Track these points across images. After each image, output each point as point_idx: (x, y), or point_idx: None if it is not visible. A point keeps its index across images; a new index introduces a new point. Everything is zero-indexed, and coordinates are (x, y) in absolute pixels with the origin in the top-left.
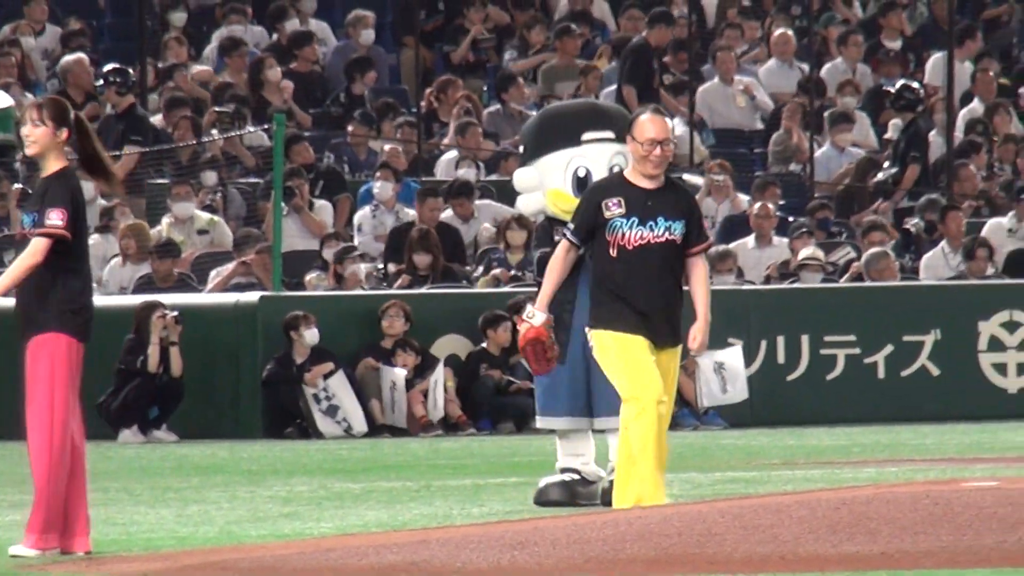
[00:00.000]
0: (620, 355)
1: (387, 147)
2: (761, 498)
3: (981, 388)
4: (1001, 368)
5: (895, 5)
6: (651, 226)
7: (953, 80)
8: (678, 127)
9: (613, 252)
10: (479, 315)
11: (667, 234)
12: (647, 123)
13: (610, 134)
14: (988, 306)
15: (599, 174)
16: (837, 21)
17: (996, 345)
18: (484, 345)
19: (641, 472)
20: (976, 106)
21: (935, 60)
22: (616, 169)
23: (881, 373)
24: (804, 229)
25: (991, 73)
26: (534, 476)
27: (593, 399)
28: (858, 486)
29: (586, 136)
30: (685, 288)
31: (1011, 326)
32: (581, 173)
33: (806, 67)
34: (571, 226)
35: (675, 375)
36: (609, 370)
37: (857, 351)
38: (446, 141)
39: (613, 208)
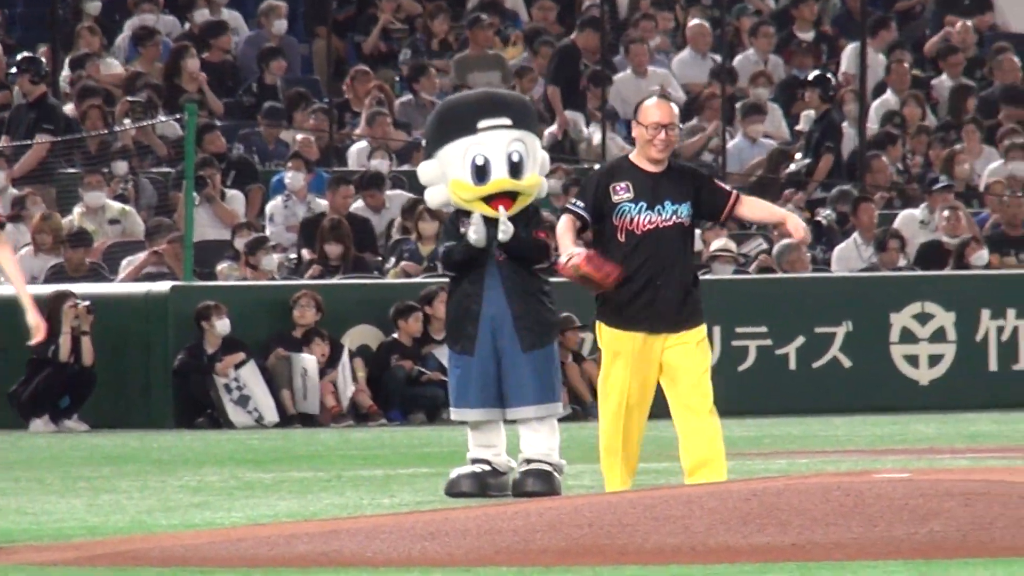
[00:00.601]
0: (612, 351)
1: (299, 137)
2: (672, 489)
3: (893, 380)
4: (913, 360)
5: None
6: (659, 210)
7: (866, 71)
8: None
9: (621, 237)
10: (390, 305)
11: (675, 217)
12: (652, 108)
13: (507, 120)
14: (900, 298)
15: (497, 162)
16: (750, 12)
17: (908, 337)
18: (395, 335)
19: (604, 463)
20: (889, 97)
21: (850, 50)
22: (516, 158)
23: (793, 364)
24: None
25: (905, 64)
26: (445, 467)
27: (504, 390)
28: (769, 477)
29: (482, 124)
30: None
31: (923, 318)
32: (479, 161)
33: (719, 58)
34: (578, 202)
35: (702, 356)
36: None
37: (769, 343)
38: (357, 131)
39: (621, 192)
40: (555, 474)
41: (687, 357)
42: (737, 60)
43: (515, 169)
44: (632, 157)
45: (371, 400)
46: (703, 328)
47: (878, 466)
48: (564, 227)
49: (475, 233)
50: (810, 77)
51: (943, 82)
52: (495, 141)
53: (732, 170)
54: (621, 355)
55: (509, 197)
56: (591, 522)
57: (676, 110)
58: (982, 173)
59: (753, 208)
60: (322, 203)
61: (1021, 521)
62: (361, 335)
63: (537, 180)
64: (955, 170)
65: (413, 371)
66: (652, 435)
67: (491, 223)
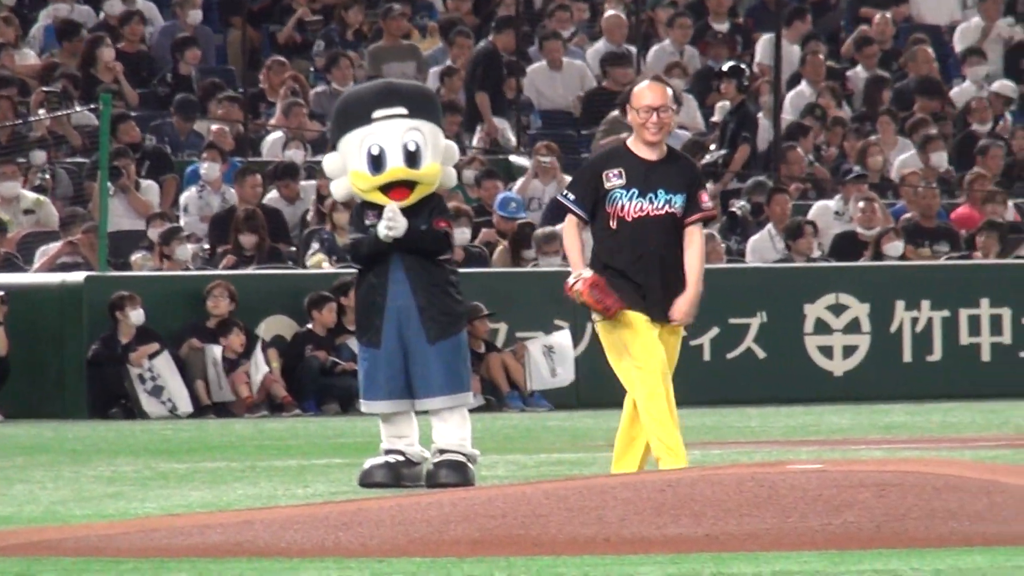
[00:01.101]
0: (621, 331)
1: (213, 127)
2: (586, 480)
3: (807, 371)
4: (827, 351)
5: None
6: (651, 198)
7: (781, 62)
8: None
9: (613, 224)
10: (305, 296)
11: (667, 207)
12: (644, 90)
13: (402, 110)
14: (814, 289)
15: (392, 151)
16: (665, 3)
17: (822, 328)
18: (310, 326)
19: (660, 433)
20: (804, 88)
21: (764, 41)
22: (412, 147)
23: (707, 356)
24: None
25: (820, 56)
26: (359, 457)
27: (413, 381)
28: (683, 468)
29: (377, 114)
30: None
31: (837, 309)
32: (375, 151)
33: (634, 49)
34: (570, 195)
35: (676, 350)
36: (611, 349)
37: (683, 333)
38: (272, 121)
39: (613, 179)
40: (468, 464)
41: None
42: (652, 51)
43: (411, 158)
44: (629, 143)
45: (285, 390)
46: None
47: (792, 457)
48: (570, 235)
49: (386, 228)
50: (725, 68)
51: (858, 73)
52: (390, 131)
53: None
54: (635, 321)
55: (406, 187)
56: (505, 512)
57: (670, 92)
58: (897, 164)
59: (691, 248)
60: (236, 194)
61: (934, 512)
62: (276, 325)
63: (436, 169)
64: (869, 161)
65: (327, 361)
66: (558, 426)
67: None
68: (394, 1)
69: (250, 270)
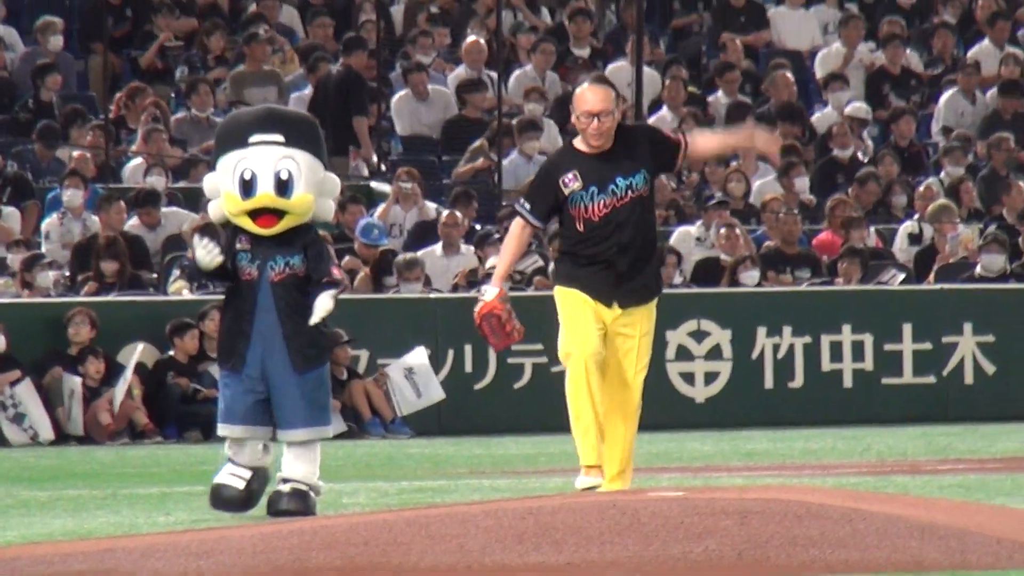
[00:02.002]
0: (566, 311)
1: (75, 154)
2: (448, 507)
3: (669, 397)
4: (688, 377)
5: (583, 12)
6: (612, 190)
7: (641, 87)
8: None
9: (580, 227)
10: (166, 323)
11: (630, 192)
12: (583, 94)
13: (279, 137)
14: (676, 315)
15: (263, 177)
16: (526, 29)
17: (684, 354)
18: (171, 353)
19: (575, 432)
20: (665, 114)
21: (614, 69)
22: (284, 175)
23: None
24: (493, 237)
25: (680, 81)
26: None
27: (275, 411)
28: (545, 496)
29: (253, 138)
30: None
31: (699, 335)
32: (246, 176)
33: (495, 74)
34: (525, 204)
35: (647, 335)
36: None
37: (544, 360)
38: (134, 148)
39: (571, 183)
40: (311, 494)
41: (627, 333)
42: (514, 76)
43: (282, 186)
44: (576, 142)
45: (147, 418)
46: (653, 304)
47: (653, 484)
48: (512, 236)
49: (202, 255)
50: None
51: (719, 99)
52: (264, 156)
53: (508, 187)
54: (582, 309)
55: (274, 215)
56: (367, 540)
57: (612, 94)
58: (759, 190)
59: (706, 144)
60: (98, 220)
61: (796, 539)
62: (138, 352)
63: (308, 200)
64: (731, 187)
65: (188, 388)
66: (420, 453)
67: (265, 241)
68: (256, 27)
69: (112, 297)
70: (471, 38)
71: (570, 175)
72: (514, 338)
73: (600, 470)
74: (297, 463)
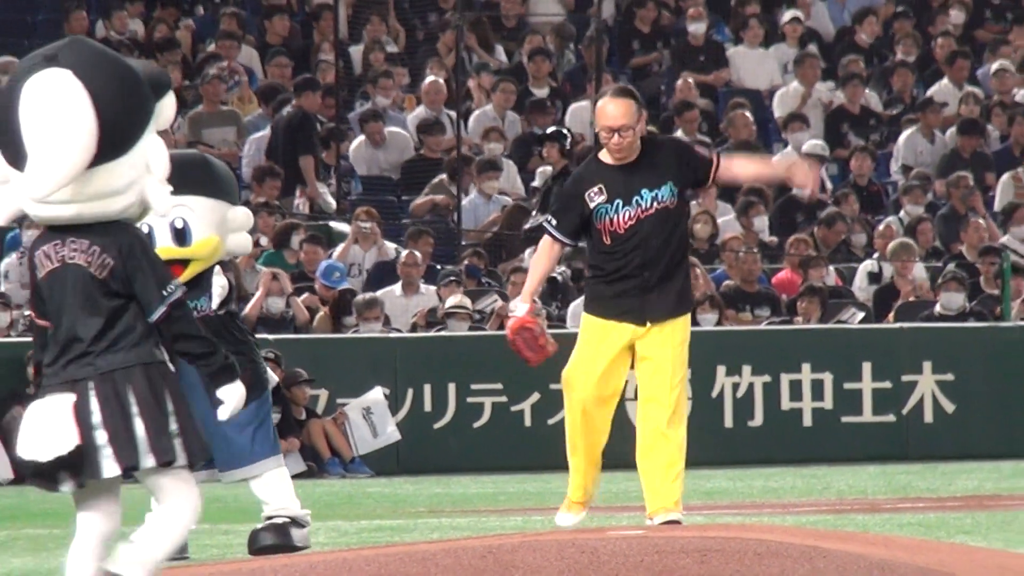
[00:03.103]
0: (582, 342)
1: None
2: (407, 546)
3: (628, 436)
4: None
5: (541, 52)
6: (637, 202)
7: None
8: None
9: (607, 240)
10: None
11: (655, 204)
12: (604, 108)
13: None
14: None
15: (160, 230)
16: (490, 69)
17: None
18: None
19: (570, 460)
20: None
21: (576, 108)
22: (179, 224)
23: (528, 421)
24: (452, 277)
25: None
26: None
27: (216, 452)
28: (504, 534)
29: None
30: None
31: None
32: (145, 230)
33: (453, 114)
34: (552, 220)
35: (680, 346)
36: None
37: (504, 399)
38: None
39: (596, 197)
40: (291, 526)
41: (659, 346)
42: (473, 116)
43: (179, 236)
44: (601, 155)
45: None
46: (686, 319)
47: (613, 523)
48: (540, 255)
49: None
50: (548, 131)
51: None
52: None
53: (468, 226)
54: (600, 342)
55: (179, 264)
56: None
57: (633, 107)
58: (719, 230)
59: (742, 169)
60: None
61: None
62: None
63: (210, 243)
64: (696, 229)
65: None
66: (379, 492)
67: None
68: (213, 66)
69: None
70: (430, 78)
71: (595, 189)
72: (548, 352)
73: (582, 507)
74: (268, 495)
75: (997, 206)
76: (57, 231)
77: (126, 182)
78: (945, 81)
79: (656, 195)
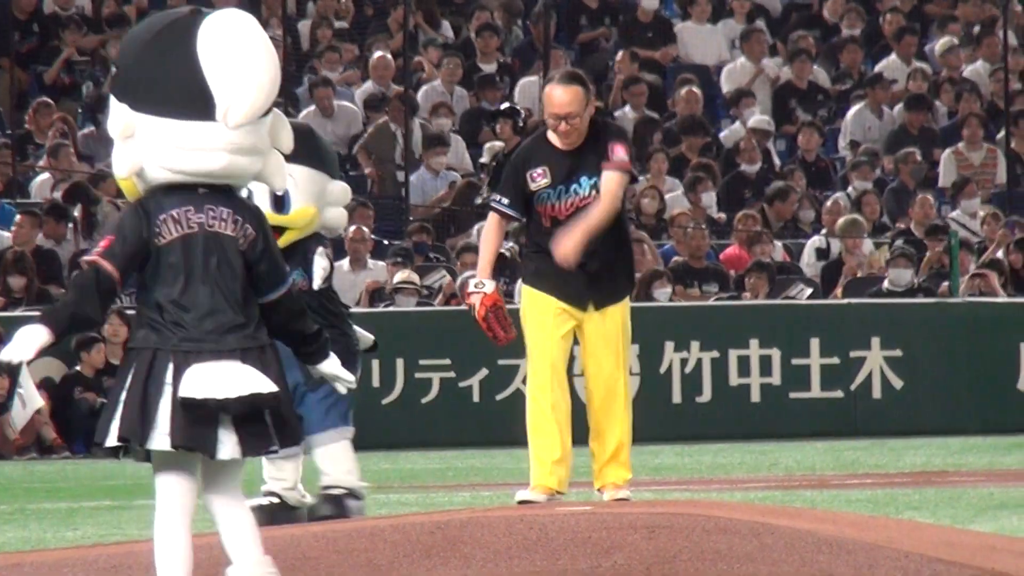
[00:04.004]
0: (530, 320)
1: None
2: (356, 522)
3: (576, 412)
4: None
5: (489, 27)
6: (575, 189)
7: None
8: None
9: (547, 223)
10: (73, 337)
11: (594, 192)
12: (551, 94)
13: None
14: None
15: (259, 195)
16: (437, 43)
17: None
18: (79, 367)
19: (533, 440)
20: None
21: (525, 84)
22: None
23: (476, 397)
24: (400, 255)
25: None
26: (128, 500)
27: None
28: (453, 510)
29: None
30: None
31: None
32: (244, 195)
33: (401, 89)
34: (502, 200)
35: (623, 327)
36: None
37: (452, 375)
38: (41, 163)
39: (538, 179)
40: (349, 499)
41: (602, 331)
42: (421, 92)
43: (278, 202)
44: (549, 135)
45: (55, 433)
46: (624, 303)
47: (561, 498)
48: (488, 231)
49: None
50: (502, 107)
51: (626, 114)
52: None
53: (416, 202)
54: (550, 317)
55: (276, 231)
56: (275, 555)
57: (581, 93)
58: (666, 205)
59: (601, 194)
60: (5, 235)
61: (704, 554)
62: (44, 367)
63: (307, 213)
64: (643, 204)
65: (96, 403)
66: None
67: None
68: None
69: (19, 311)
70: (378, 54)
71: (539, 171)
72: (513, 333)
73: (547, 489)
74: (329, 466)
75: (941, 182)
76: (184, 195)
77: (265, 145)
78: (893, 57)
79: (595, 182)
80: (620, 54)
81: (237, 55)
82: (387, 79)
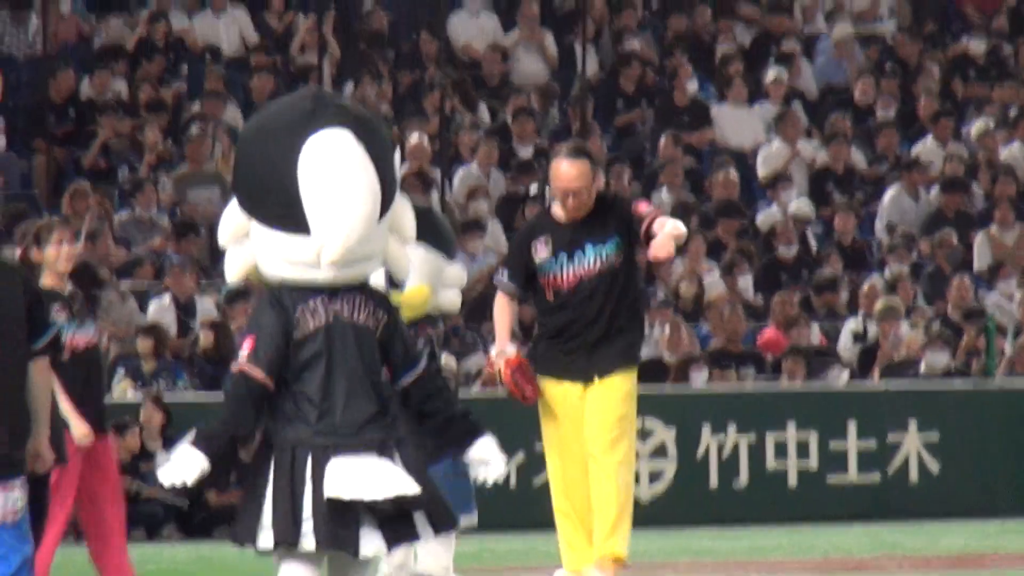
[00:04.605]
0: (544, 409)
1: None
2: None
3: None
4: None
5: (525, 111)
6: (579, 258)
7: None
8: None
9: (550, 296)
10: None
11: (599, 261)
12: (558, 168)
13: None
14: None
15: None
16: (470, 127)
17: None
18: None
19: (560, 528)
20: None
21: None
22: None
23: (513, 483)
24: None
25: (624, 179)
26: None
27: None
28: None
29: None
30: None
31: (643, 434)
32: None
33: (439, 171)
34: (504, 273)
35: (625, 397)
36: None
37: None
38: (79, 247)
39: (541, 251)
40: None
41: (602, 400)
42: (458, 175)
43: (393, 281)
44: (553, 209)
45: None
46: (630, 373)
47: None
48: (498, 306)
49: None
50: (532, 191)
51: (663, 197)
52: None
53: None
54: (557, 407)
55: None
56: None
57: (588, 167)
58: (704, 289)
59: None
60: None
61: None
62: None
63: (422, 292)
64: (681, 287)
65: (132, 487)
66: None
67: None
68: (198, 126)
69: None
70: (414, 136)
71: (541, 240)
72: (536, 397)
73: (577, 572)
74: (428, 557)
75: (976, 264)
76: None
77: (380, 246)
78: (929, 139)
79: (600, 251)
80: (663, 139)
81: (332, 190)
82: (423, 162)
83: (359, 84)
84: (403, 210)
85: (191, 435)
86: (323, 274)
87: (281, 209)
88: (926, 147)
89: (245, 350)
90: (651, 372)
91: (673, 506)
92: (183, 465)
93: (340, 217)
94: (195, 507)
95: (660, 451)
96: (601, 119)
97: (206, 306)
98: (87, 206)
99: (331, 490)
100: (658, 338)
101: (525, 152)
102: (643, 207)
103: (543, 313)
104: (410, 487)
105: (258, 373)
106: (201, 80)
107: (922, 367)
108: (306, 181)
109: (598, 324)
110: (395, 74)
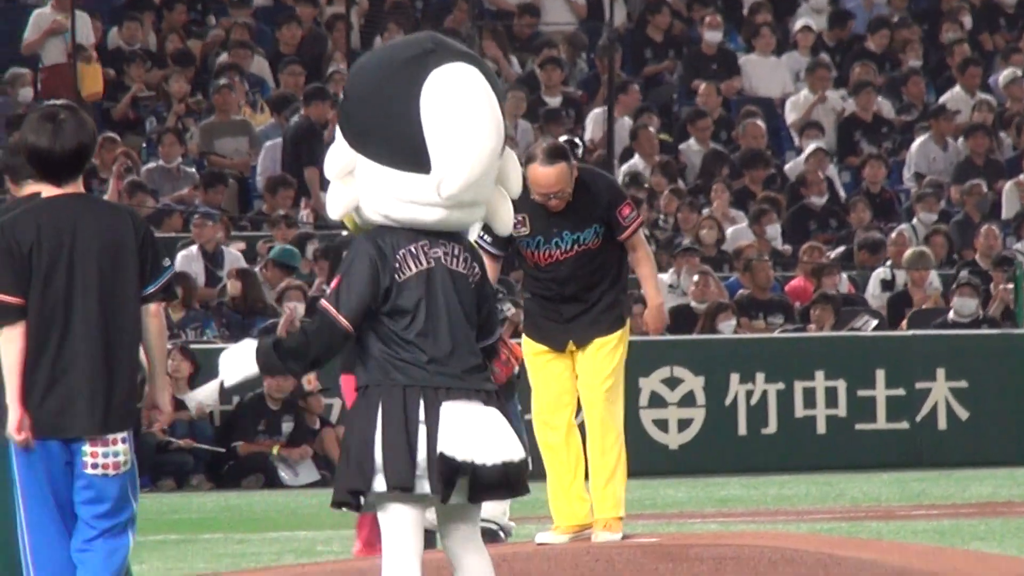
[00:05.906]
0: (532, 376)
1: None
2: (427, 553)
3: (642, 444)
4: (662, 424)
5: (554, 61)
6: (556, 243)
7: (613, 135)
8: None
9: (530, 263)
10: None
11: (576, 247)
12: (535, 173)
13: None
14: (649, 362)
15: None
16: (503, 78)
17: (657, 401)
18: (139, 404)
19: (563, 492)
20: (637, 162)
21: (594, 115)
22: None
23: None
24: None
25: (651, 129)
26: (194, 533)
27: None
28: (519, 543)
29: None
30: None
31: (672, 382)
32: None
33: None
34: (486, 237)
35: (608, 357)
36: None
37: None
38: (106, 197)
39: (519, 227)
40: (499, 535)
41: (592, 364)
42: None
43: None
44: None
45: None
46: (617, 334)
47: (627, 531)
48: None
49: None
50: (562, 139)
51: (691, 147)
52: None
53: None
54: (539, 367)
55: None
56: None
57: (565, 169)
58: (731, 237)
59: (638, 263)
60: None
61: None
62: None
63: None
64: (703, 235)
65: (162, 438)
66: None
67: None
68: (226, 77)
69: None
70: None
71: (519, 218)
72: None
73: (565, 528)
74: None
75: (1004, 213)
76: (415, 231)
77: (490, 193)
78: (957, 88)
79: (578, 238)
80: (703, 86)
81: (458, 123)
82: None
83: (386, 36)
84: (512, 162)
85: (260, 340)
86: (432, 215)
87: (396, 144)
88: (954, 96)
89: (331, 290)
90: (680, 321)
91: (702, 454)
92: (239, 360)
93: (465, 149)
94: (224, 456)
95: (689, 399)
96: (629, 69)
97: (233, 255)
98: (114, 156)
99: (446, 445)
100: (685, 287)
101: (553, 102)
102: (626, 210)
103: (527, 274)
104: (517, 451)
105: (343, 321)
106: (228, 31)
107: (950, 315)
108: (429, 113)
109: (573, 302)
110: (423, 26)
